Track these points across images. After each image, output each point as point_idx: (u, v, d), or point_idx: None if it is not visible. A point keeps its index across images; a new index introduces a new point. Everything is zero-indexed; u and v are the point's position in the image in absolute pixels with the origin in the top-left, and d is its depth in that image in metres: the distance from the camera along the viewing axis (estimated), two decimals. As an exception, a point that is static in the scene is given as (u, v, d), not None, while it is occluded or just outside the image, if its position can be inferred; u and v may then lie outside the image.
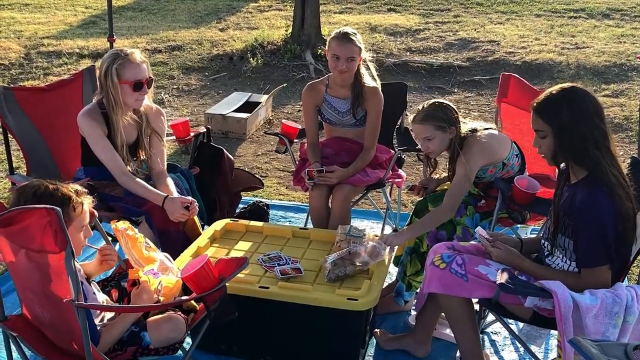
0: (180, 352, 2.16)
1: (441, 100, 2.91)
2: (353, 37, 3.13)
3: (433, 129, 2.80)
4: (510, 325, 2.42)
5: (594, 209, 2.10)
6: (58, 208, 1.69)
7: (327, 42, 3.21)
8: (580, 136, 2.13)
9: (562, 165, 2.31)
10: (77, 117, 2.88)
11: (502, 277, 2.15)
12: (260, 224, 3.07)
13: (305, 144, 3.47)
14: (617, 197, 2.08)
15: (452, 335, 2.77)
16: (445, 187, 2.99)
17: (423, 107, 2.85)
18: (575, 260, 2.21)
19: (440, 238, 2.82)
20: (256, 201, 3.84)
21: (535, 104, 2.22)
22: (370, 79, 3.29)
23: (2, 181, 4.40)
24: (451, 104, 2.87)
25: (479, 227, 2.49)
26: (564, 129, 2.14)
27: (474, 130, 2.84)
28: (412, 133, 2.96)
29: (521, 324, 2.73)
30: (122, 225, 2.28)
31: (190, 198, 2.84)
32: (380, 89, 3.29)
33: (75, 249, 2.00)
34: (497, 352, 2.78)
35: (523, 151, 3.48)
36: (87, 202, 2.05)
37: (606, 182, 2.10)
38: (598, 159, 2.12)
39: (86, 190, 2.08)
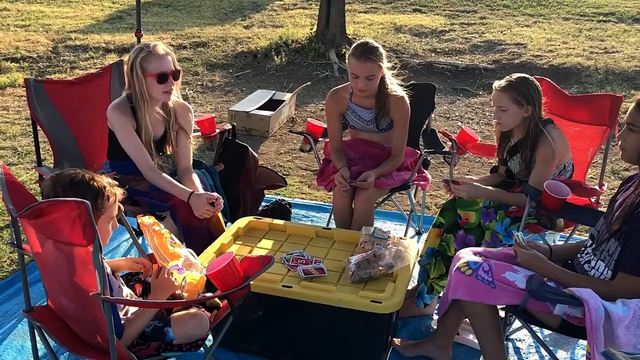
0: (202, 349, 2.16)
1: (529, 76, 2.87)
2: (372, 55, 3.01)
3: (509, 101, 2.79)
4: (536, 333, 2.37)
5: None
6: (88, 201, 1.69)
7: (347, 57, 3.13)
8: None
9: (634, 172, 2.24)
10: (107, 111, 2.89)
11: (531, 284, 2.10)
12: (283, 222, 3.06)
13: (330, 144, 3.45)
14: None
15: (475, 340, 2.74)
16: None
17: (511, 76, 2.85)
18: (614, 266, 2.15)
19: (468, 243, 2.79)
20: (279, 199, 3.83)
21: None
22: (397, 87, 3.21)
23: (28, 172, 4.46)
24: (538, 84, 2.85)
25: (515, 231, 2.46)
26: None
27: (550, 121, 2.84)
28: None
29: (547, 332, 2.68)
30: (148, 220, 2.29)
31: (215, 194, 2.83)
32: (406, 97, 3.20)
33: (102, 239, 2.01)
34: (521, 359, 2.73)
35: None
36: (119, 194, 2.07)
37: None
38: None
39: (116, 183, 2.10)
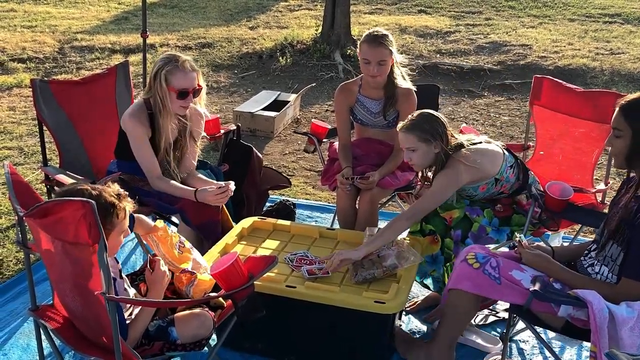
0: (206, 348, 2.17)
1: (431, 111, 2.79)
2: (383, 40, 3.07)
3: (416, 140, 2.70)
4: (540, 334, 2.37)
5: None
6: (93, 201, 1.71)
7: (358, 45, 3.18)
8: None
9: (632, 174, 2.24)
10: (123, 116, 2.90)
11: (536, 285, 2.11)
12: (287, 223, 3.07)
13: (335, 144, 3.46)
14: None
15: (477, 341, 2.75)
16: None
17: (412, 115, 2.76)
18: (618, 272, 2.16)
19: (455, 239, 2.78)
20: (283, 200, 3.84)
21: (623, 102, 2.15)
22: (404, 80, 3.26)
23: (34, 172, 4.48)
24: (441, 117, 2.75)
25: (520, 234, 2.44)
26: None
27: (460, 147, 2.71)
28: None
29: (551, 333, 2.68)
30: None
31: (220, 182, 2.86)
32: (413, 90, 3.25)
33: (113, 249, 2.02)
34: (524, 361, 2.74)
35: (556, 157, 3.42)
36: (129, 207, 2.05)
37: None
38: None
39: (126, 193, 2.06)
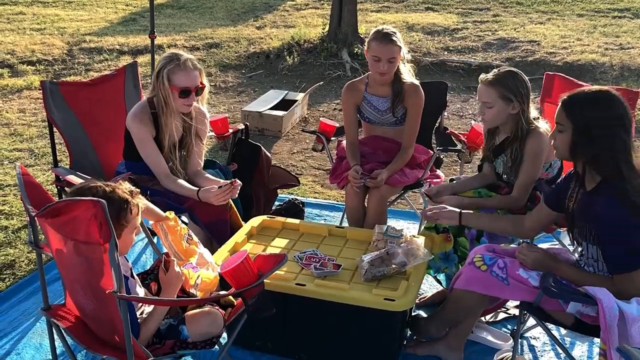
0: (216, 347, 2.18)
1: (518, 71, 2.74)
2: (394, 37, 3.08)
3: (496, 96, 2.66)
4: (551, 331, 2.37)
5: (612, 215, 2.05)
6: (103, 201, 1.72)
7: (367, 43, 3.17)
8: (599, 142, 2.07)
9: (574, 169, 2.26)
10: (127, 118, 2.93)
11: (545, 281, 2.11)
12: (296, 221, 3.07)
13: (343, 142, 3.46)
14: (633, 204, 2.02)
15: (489, 338, 2.75)
16: (468, 195, 2.89)
17: (498, 70, 2.71)
18: (607, 269, 2.17)
19: (471, 237, 2.77)
20: (292, 199, 3.85)
21: (564, 97, 2.17)
22: (410, 76, 3.26)
23: (45, 174, 4.52)
24: (527, 79, 2.70)
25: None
26: (584, 130, 2.09)
27: (537, 120, 2.72)
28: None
29: (562, 330, 2.67)
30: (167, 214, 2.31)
31: (222, 180, 2.87)
32: (420, 87, 3.24)
33: (125, 247, 2.03)
34: (536, 357, 2.72)
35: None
36: (141, 204, 2.07)
37: (621, 189, 2.04)
38: (613, 167, 2.06)
39: (138, 190, 2.08)
